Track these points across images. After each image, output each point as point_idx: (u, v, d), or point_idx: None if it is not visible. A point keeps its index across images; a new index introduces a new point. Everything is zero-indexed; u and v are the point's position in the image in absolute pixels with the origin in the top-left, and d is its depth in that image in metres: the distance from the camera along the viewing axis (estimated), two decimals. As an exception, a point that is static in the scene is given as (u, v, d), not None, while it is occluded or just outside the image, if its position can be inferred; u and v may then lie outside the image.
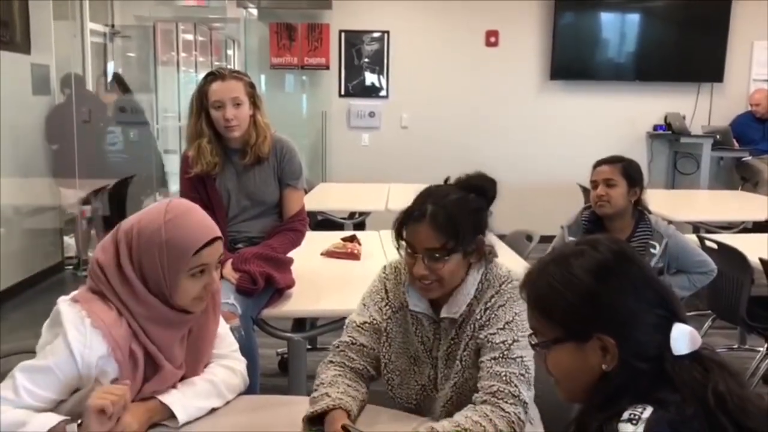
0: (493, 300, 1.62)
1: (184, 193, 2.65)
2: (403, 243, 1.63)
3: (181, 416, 1.53)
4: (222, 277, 2.45)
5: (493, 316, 1.61)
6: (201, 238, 1.53)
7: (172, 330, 1.56)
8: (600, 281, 1.09)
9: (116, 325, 1.49)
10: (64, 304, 1.50)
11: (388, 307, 1.72)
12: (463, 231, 1.58)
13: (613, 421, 1.01)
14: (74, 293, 1.53)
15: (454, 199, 1.61)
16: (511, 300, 1.61)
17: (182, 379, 1.62)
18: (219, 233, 1.58)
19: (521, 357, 1.56)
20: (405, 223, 1.62)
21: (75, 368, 1.44)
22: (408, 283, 1.69)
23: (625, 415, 1.01)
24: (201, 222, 1.57)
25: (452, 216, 1.58)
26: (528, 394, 1.55)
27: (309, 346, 3.36)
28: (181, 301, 1.54)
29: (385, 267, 1.79)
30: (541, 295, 1.14)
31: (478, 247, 1.63)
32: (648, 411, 1.00)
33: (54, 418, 1.39)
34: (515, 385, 1.53)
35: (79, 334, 1.45)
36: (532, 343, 1.18)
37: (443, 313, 1.65)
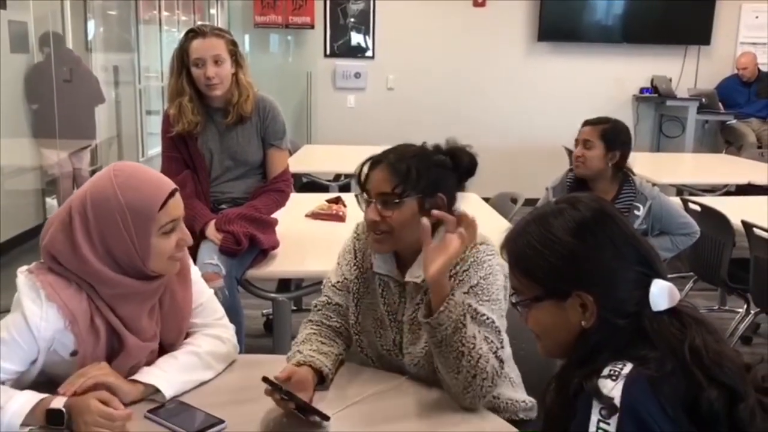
0: (458, 267, 1.57)
1: (165, 152, 2.63)
2: (365, 195, 1.61)
3: (167, 391, 1.47)
4: (205, 237, 2.45)
5: (458, 281, 1.56)
6: (161, 192, 1.44)
7: (140, 302, 1.49)
8: (578, 239, 1.10)
9: (74, 299, 1.42)
10: (21, 275, 1.44)
11: (356, 267, 1.71)
12: (417, 178, 1.55)
13: (593, 377, 1.02)
14: (33, 264, 1.46)
15: (415, 150, 1.61)
16: (475, 264, 1.56)
17: (161, 352, 1.57)
18: (175, 185, 1.50)
19: (491, 319, 1.53)
20: (363, 170, 1.61)
21: (33, 341, 1.40)
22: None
23: (605, 371, 1.02)
24: (155, 177, 1.48)
25: (408, 164, 1.56)
26: (500, 352, 1.52)
27: (294, 307, 3.37)
28: (157, 265, 1.46)
29: (357, 225, 1.77)
30: (521, 255, 1.14)
31: (437, 205, 1.56)
32: (628, 367, 1.02)
33: (35, 396, 1.36)
34: (492, 342, 1.51)
35: (35, 307, 1.40)
36: (513, 301, 1.19)
37: (407, 277, 1.62)
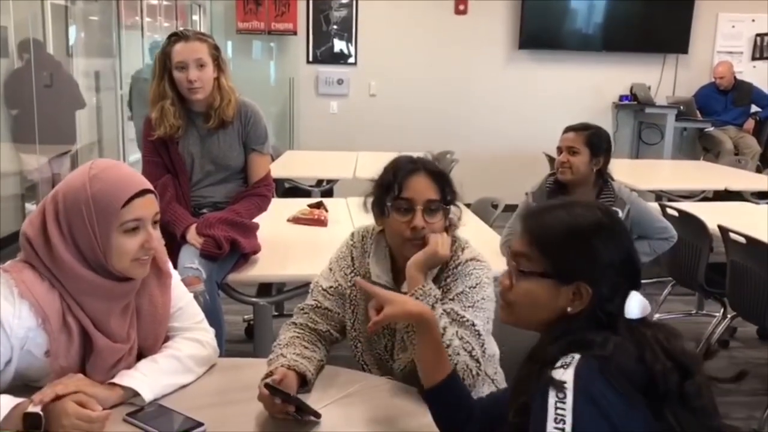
0: (447, 280, 1.66)
1: (146, 156, 2.62)
2: (390, 206, 1.63)
3: (147, 395, 1.47)
4: (186, 241, 2.44)
5: (445, 290, 1.64)
6: (129, 189, 1.44)
7: (108, 302, 1.48)
8: (601, 238, 1.16)
9: (47, 297, 1.42)
10: None
11: (353, 274, 1.73)
12: (451, 187, 1.67)
13: (547, 369, 1.08)
14: (7, 263, 1.45)
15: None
16: (462, 275, 1.63)
17: (140, 356, 1.56)
18: (150, 186, 1.49)
19: (472, 323, 1.57)
20: (399, 179, 1.63)
21: (6, 339, 1.39)
22: (372, 254, 1.71)
23: (558, 363, 1.08)
24: (129, 174, 1.48)
25: (443, 171, 1.67)
26: (476, 353, 1.55)
27: (275, 313, 3.37)
28: (119, 264, 1.45)
29: (353, 234, 1.79)
30: (545, 228, 1.19)
31: (446, 214, 1.67)
32: (577, 356, 1.08)
33: (12, 401, 1.35)
34: (467, 342, 1.55)
35: (8, 305, 1.39)
36: (516, 266, 1.21)
37: (403, 289, 1.66)
